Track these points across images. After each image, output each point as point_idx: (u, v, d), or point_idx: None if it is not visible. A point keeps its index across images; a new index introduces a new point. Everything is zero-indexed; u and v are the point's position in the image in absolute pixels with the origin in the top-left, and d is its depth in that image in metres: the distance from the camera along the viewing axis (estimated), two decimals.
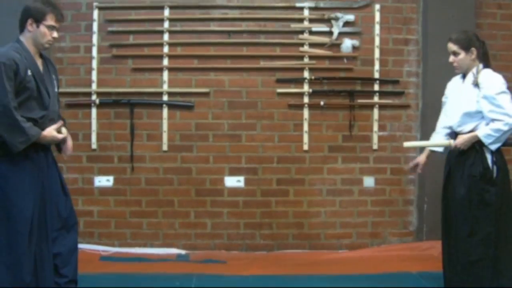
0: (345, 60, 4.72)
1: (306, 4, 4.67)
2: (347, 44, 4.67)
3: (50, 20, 3.05)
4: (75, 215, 3.26)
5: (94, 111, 4.63)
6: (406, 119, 4.77)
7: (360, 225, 4.76)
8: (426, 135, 4.61)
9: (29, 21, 3.04)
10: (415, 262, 4.30)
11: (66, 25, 4.59)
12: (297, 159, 4.72)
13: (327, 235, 4.74)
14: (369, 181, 4.75)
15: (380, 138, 4.75)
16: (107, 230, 4.68)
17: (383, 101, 4.73)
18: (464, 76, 3.36)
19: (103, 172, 4.67)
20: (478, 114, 3.20)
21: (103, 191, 4.67)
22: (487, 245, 3.14)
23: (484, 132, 3.16)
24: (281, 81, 4.68)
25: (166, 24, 4.64)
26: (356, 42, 4.68)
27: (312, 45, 4.69)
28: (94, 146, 4.65)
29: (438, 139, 3.47)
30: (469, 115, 3.22)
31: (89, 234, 4.67)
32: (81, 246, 4.49)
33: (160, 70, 4.65)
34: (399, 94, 4.74)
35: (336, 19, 4.65)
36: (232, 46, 4.68)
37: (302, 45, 4.68)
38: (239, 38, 4.66)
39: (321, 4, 4.69)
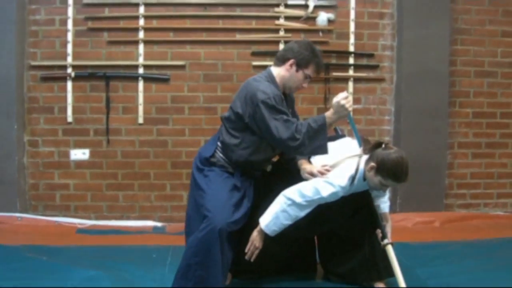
0: (320, 34, 4.73)
1: None
2: (323, 17, 4.67)
3: (311, 71, 2.99)
4: None
5: (69, 84, 4.61)
6: (381, 93, 4.80)
7: None
8: (400, 109, 4.70)
9: (291, 61, 2.98)
10: None
11: None
12: None
13: None
14: None
15: (354, 111, 4.70)
16: (84, 203, 4.68)
17: (358, 74, 4.77)
18: None
19: (79, 145, 4.66)
20: None
21: (79, 164, 4.67)
22: None
23: None
24: (257, 54, 4.69)
25: None
26: (331, 16, 4.68)
27: (287, 18, 4.69)
28: (69, 119, 4.63)
29: None
30: None
31: (65, 207, 4.68)
32: (57, 219, 4.57)
33: (136, 43, 4.63)
34: (374, 67, 4.77)
35: None
36: (208, 19, 4.67)
37: (277, 18, 4.68)
38: (215, 11, 4.65)
39: None
